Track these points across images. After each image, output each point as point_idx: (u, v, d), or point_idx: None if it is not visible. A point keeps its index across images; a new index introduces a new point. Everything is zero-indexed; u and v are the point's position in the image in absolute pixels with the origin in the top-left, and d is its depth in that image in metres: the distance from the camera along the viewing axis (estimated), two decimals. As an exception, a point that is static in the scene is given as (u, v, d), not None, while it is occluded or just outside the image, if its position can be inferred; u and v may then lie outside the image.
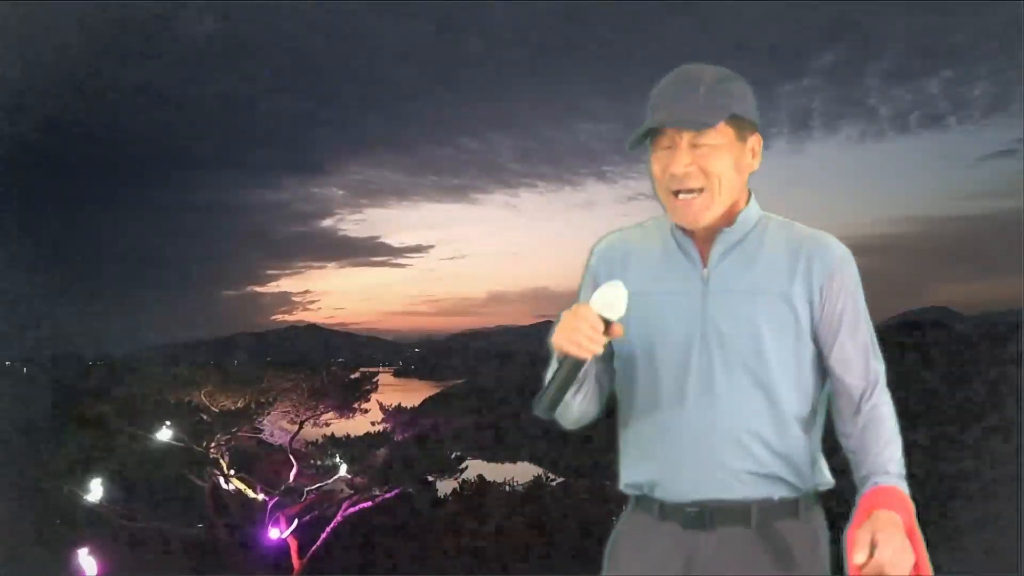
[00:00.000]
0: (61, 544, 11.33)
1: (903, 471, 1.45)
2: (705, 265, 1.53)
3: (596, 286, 1.48)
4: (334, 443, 13.77)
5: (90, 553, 10.13)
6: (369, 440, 14.01)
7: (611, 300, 1.44)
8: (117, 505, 12.44)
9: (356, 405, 14.57)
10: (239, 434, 13.60)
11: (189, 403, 13.36)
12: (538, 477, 17.71)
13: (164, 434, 12.47)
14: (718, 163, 1.48)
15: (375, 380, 15.82)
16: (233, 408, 13.41)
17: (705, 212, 1.49)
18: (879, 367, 1.53)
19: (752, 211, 1.55)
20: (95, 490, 11.82)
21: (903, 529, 1.35)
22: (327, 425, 14.49)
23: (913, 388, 23.92)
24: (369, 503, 13.34)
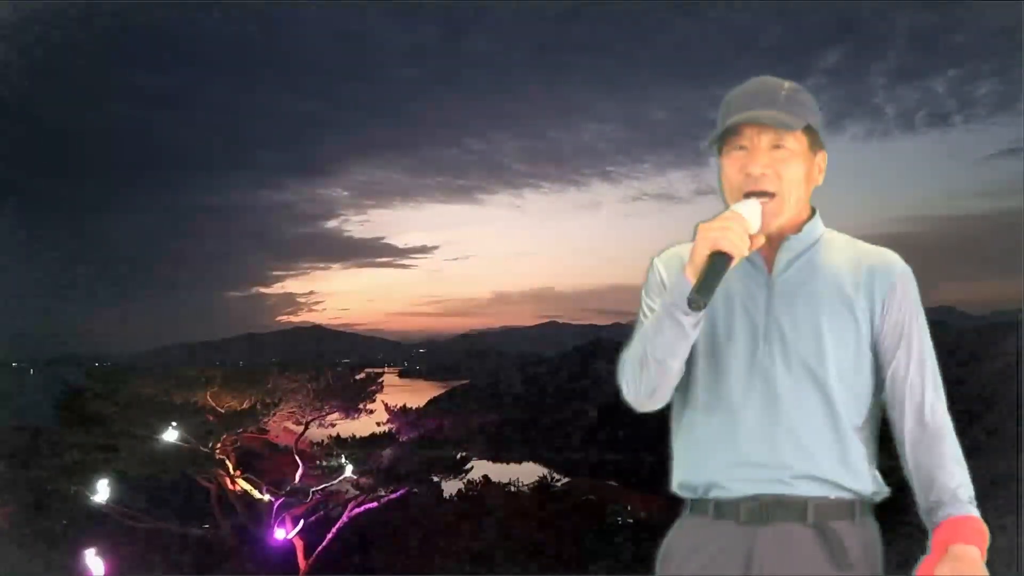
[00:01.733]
0: (68, 545, 11.36)
1: (973, 496, 1.46)
2: (770, 272, 1.56)
3: (661, 294, 1.54)
4: (339, 444, 13.78)
5: (97, 554, 10.15)
6: (374, 441, 14.02)
7: (752, 210, 1.48)
8: (123, 506, 12.47)
9: (361, 406, 14.57)
10: (245, 435, 13.62)
11: (195, 404, 13.37)
12: (543, 477, 17.73)
13: (170, 435, 12.48)
14: (793, 169, 1.52)
15: (380, 381, 15.82)
16: (239, 409, 13.41)
17: (774, 218, 1.52)
18: (940, 389, 1.54)
19: (817, 223, 1.59)
20: (101, 491, 11.84)
21: (982, 565, 1.36)
22: (332, 426, 14.50)
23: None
24: (375, 503, 13.35)
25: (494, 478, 17.74)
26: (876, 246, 1.58)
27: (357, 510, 13.19)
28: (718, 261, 1.42)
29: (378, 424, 14.62)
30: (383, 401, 14.91)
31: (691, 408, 1.59)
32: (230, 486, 12.99)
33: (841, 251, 1.56)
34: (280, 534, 12.46)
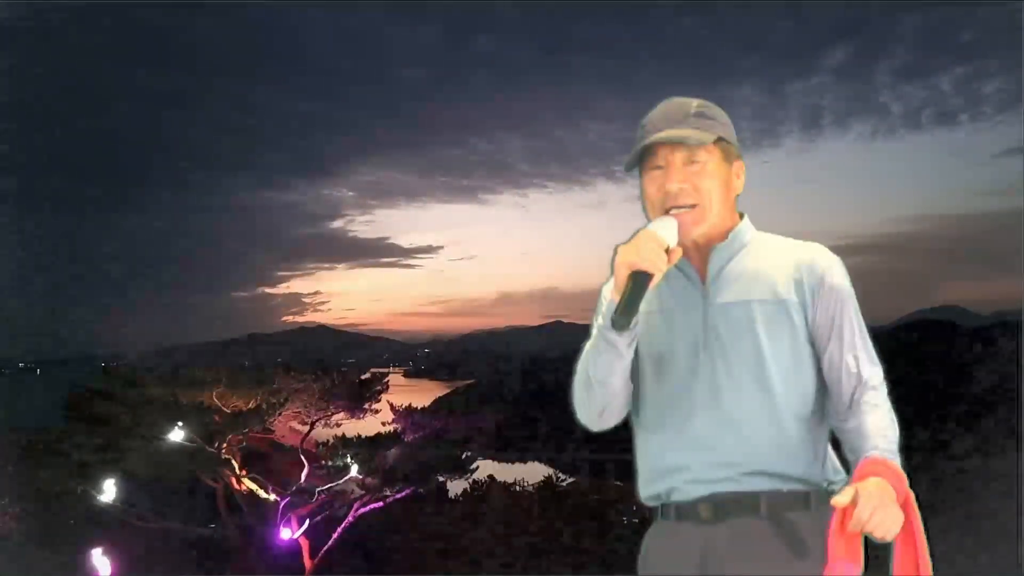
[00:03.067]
0: (75, 544, 11.39)
1: (896, 448, 1.50)
2: (703, 282, 1.63)
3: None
4: (345, 444, 13.80)
5: (104, 553, 10.17)
6: (380, 441, 14.04)
7: (667, 226, 1.54)
8: (130, 505, 12.50)
9: (367, 406, 14.58)
10: (250, 435, 13.64)
11: (201, 404, 13.39)
12: (548, 477, 17.72)
13: (176, 435, 12.52)
14: (709, 180, 1.59)
15: (386, 381, 15.83)
16: (244, 409, 13.43)
17: (696, 227, 1.60)
18: (873, 370, 1.59)
19: (744, 229, 1.66)
20: (108, 491, 11.87)
21: (892, 496, 1.38)
22: (338, 426, 14.52)
23: (921, 387, 23.85)
24: (380, 503, 13.37)
25: (499, 478, 17.75)
26: (804, 242, 1.64)
27: (363, 510, 13.20)
28: (638, 280, 1.48)
29: (383, 424, 14.64)
30: (388, 401, 14.92)
31: (643, 424, 1.67)
32: (236, 486, 13.01)
33: (770, 252, 1.63)
34: (286, 534, 12.48)
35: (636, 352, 1.62)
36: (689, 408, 1.59)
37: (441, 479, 15.32)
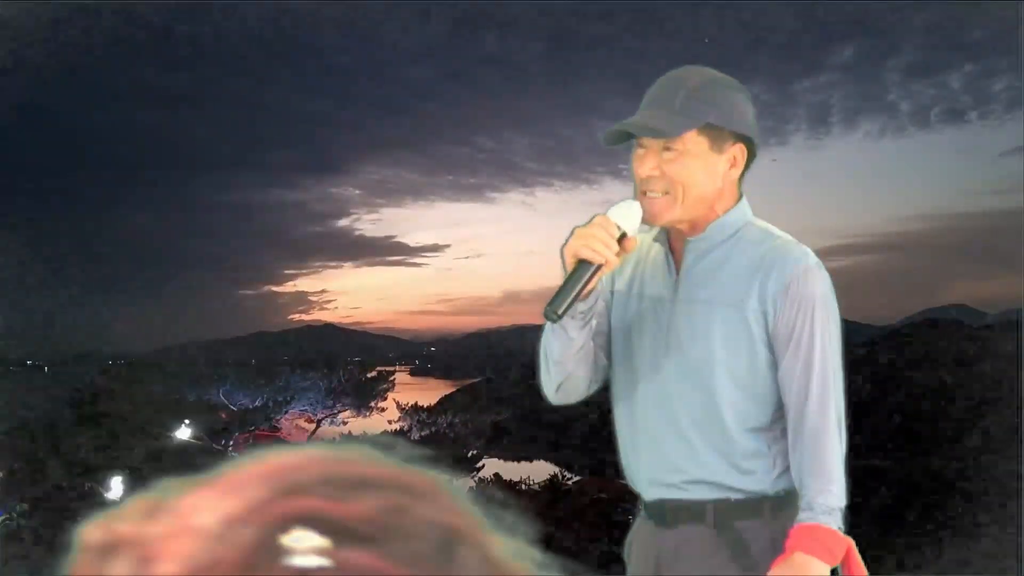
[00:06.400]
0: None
1: (835, 505, 1.42)
2: (678, 273, 1.55)
3: (602, 287, 1.54)
4: (351, 441, 13.83)
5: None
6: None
7: (627, 213, 1.46)
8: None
9: (373, 404, 14.64)
10: (257, 432, 13.69)
11: (207, 401, 13.45)
12: (554, 476, 17.72)
13: (183, 432, 12.56)
14: (683, 170, 1.48)
15: (392, 379, 15.88)
16: (251, 407, 13.48)
17: (665, 213, 1.50)
18: (827, 392, 1.47)
19: (730, 220, 1.55)
20: (115, 487, 11.92)
21: (817, 574, 1.36)
22: (344, 423, 14.57)
23: (925, 387, 23.79)
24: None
25: (505, 476, 17.77)
26: (786, 242, 1.52)
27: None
28: (579, 270, 1.41)
29: (389, 422, 14.69)
30: (394, 399, 14.96)
31: (616, 408, 1.63)
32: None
33: (747, 250, 1.52)
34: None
35: (614, 334, 1.59)
36: (644, 407, 1.54)
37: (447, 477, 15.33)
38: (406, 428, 14.34)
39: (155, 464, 12.52)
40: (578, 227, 1.44)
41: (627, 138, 1.53)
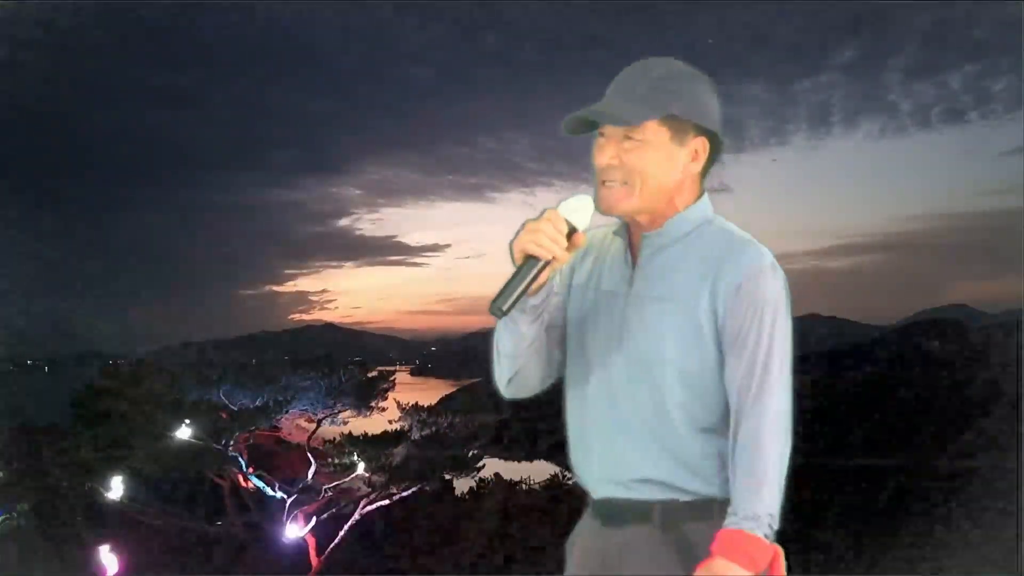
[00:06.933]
0: (82, 541, 11.44)
1: (762, 511, 1.39)
2: (634, 268, 1.53)
3: (561, 280, 1.55)
4: (352, 441, 13.82)
5: (111, 550, 10.21)
6: (386, 438, 14.05)
7: (577, 207, 1.44)
8: (137, 502, 12.55)
9: (373, 403, 14.61)
10: (257, 432, 13.69)
11: (208, 401, 13.44)
12: (554, 475, 17.71)
13: (183, 432, 12.56)
14: (641, 160, 1.46)
15: (392, 379, 15.84)
16: (251, 406, 13.48)
17: (620, 203, 1.48)
18: (769, 399, 1.43)
19: (689, 216, 1.52)
20: (116, 487, 11.92)
21: None
22: (345, 423, 14.54)
23: (925, 387, 23.77)
24: (387, 501, 13.39)
25: (505, 476, 17.75)
26: (743, 241, 1.49)
27: (369, 507, 13.22)
28: (526, 265, 1.39)
29: (390, 422, 14.65)
30: (395, 399, 14.93)
31: (568, 403, 1.60)
32: (243, 483, 13.05)
33: (704, 248, 1.49)
34: (293, 531, 12.50)
35: (569, 328, 1.57)
36: (595, 403, 1.52)
37: (447, 477, 15.32)
38: (406, 428, 14.31)
39: (155, 464, 12.53)
40: (528, 221, 1.42)
41: (589, 128, 1.51)
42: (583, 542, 1.59)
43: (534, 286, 1.43)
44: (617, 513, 1.51)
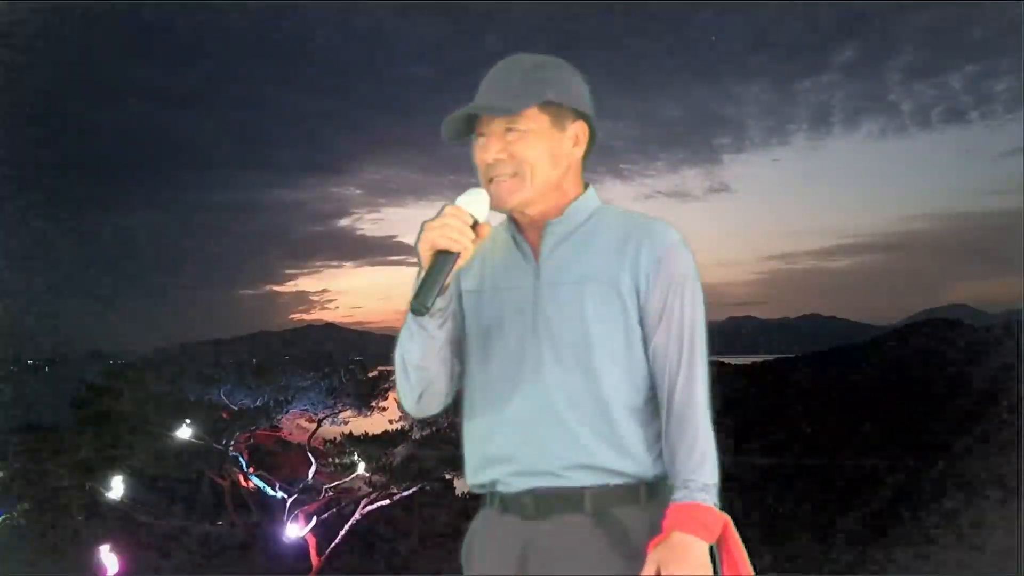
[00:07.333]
0: (83, 541, 11.44)
1: (710, 481, 1.42)
2: (537, 259, 1.53)
3: (450, 289, 1.52)
4: (352, 441, 13.83)
5: (111, 550, 10.22)
6: (387, 438, 14.06)
7: (474, 200, 1.46)
8: (138, 502, 12.55)
9: (374, 403, 14.61)
10: (258, 432, 13.69)
11: (208, 401, 13.44)
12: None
13: (183, 432, 12.57)
14: (529, 149, 1.48)
15: (393, 378, 15.84)
16: (252, 406, 13.48)
17: (514, 195, 1.50)
18: (695, 371, 1.46)
19: (585, 202, 1.55)
20: (116, 487, 11.93)
21: (697, 553, 1.36)
22: (345, 423, 14.53)
23: (925, 387, 23.79)
24: (387, 501, 13.39)
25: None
26: (649, 219, 1.53)
27: (370, 507, 13.22)
28: (439, 261, 1.41)
29: (391, 422, 14.65)
30: (395, 399, 14.90)
31: (469, 408, 1.60)
32: (243, 483, 13.06)
33: (611, 228, 1.51)
34: (293, 531, 12.51)
35: (465, 331, 1.57)
36: (513, 394, 1.50)
37: (447, 477, 15.33)
38: (407, 428, 14.31)
39: (156, 464, 12.53)
40: (427, 221, 1.44)
41: (467, 133, 1.53)
42: (493, 543, 1.56)
43: (445, 284, 1.44)
44: (544, 504, 1.49)
